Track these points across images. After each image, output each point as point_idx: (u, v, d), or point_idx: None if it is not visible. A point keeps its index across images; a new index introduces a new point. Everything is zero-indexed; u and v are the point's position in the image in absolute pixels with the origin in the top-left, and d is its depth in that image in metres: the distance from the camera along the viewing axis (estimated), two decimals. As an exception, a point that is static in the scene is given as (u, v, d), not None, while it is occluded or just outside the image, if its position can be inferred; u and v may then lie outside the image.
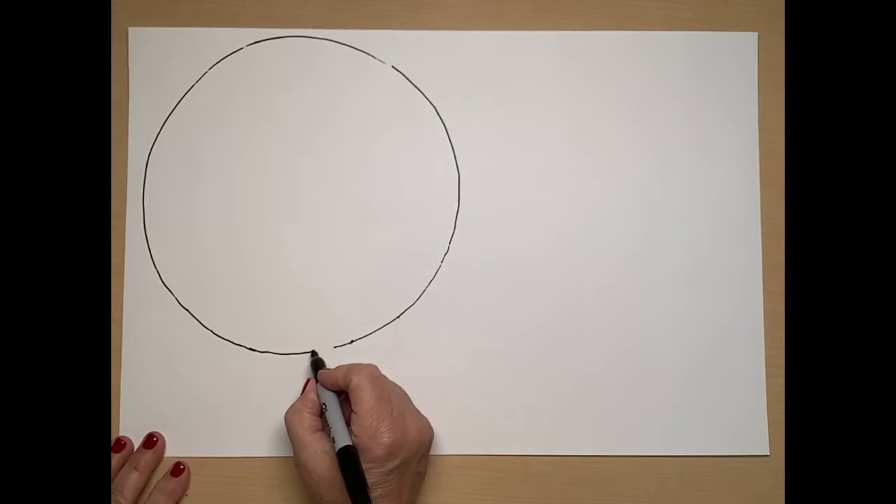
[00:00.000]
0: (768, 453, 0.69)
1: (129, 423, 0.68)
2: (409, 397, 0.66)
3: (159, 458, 0.67)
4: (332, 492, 0.59)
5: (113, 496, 0.64)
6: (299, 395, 0.66)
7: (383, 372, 0.66)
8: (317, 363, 0.67)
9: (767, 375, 0.69)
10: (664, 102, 0.71)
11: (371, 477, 0.57)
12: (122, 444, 0.67)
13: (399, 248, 0.70)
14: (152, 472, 0.67)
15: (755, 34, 0.72)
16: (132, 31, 0.71)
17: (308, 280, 0.69)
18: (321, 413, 0.63)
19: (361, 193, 0.70)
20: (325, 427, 0.63)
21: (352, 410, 0.61)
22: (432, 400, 0.68)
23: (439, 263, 0.70)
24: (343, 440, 0.59)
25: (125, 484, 0.65)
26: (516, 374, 0.69)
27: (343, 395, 0.64)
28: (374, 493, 0.57)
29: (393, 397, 0.62)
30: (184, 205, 0.70)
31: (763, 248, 0.71)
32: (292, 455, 0.61)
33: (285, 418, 0.63)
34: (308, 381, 0.67)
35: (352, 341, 0.69)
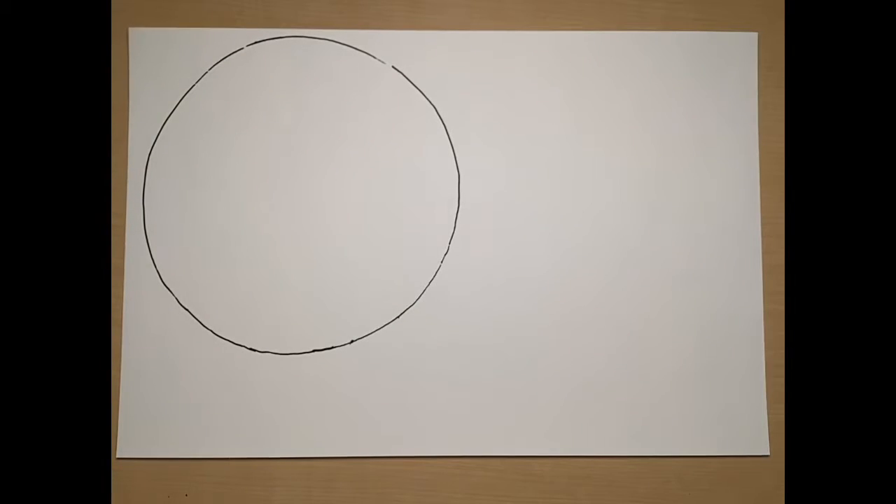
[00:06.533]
0: (768, 453, 0.69)
1: (129, 422, 0.68)
2: None
3: None
4: None
5: None
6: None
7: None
8: None
9: (767, 375, 0.69)
10: (664, 102, 0.71)
11: None
12: None
13: (399, 248, 0.70)
14: None
15: (755, 34, 0.72)
16: (132, 31, 0.71)
17: (308, 280, 0.69)
18: None
19: (361, 193, 0.70)
20: None
21: None
22: (432, 400, 0.68)
23: (439, 263, 0.70)
24: None
25: None
26: (516, 374, 0.69)
27: None
28: None
29: None
30: (184, 205, 0.70)
31: (763, 248, 0.71)
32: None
33: None
34: None
35: (352, 341, 0.69)
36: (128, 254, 0.70)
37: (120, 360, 0.69)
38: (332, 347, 0.69)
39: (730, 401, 0.69)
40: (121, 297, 0.69)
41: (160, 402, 0.68)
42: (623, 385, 0.69)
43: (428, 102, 0.71)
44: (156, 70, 0.71)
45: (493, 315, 0.69)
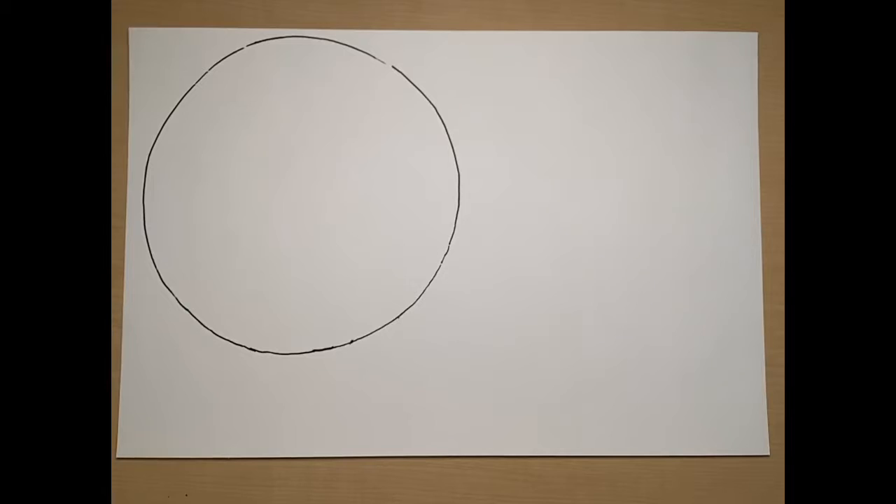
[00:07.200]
0: (768, 453, 0.69)
1: (130, 422, 0.68)
2: None
3: None
4: None
5: None
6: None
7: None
8: None
9: (767, 375, 0.69)
10: (664, 102, 0.71)
11: None
12: None
13: (399, 248, 0.70)
14: None
15: (755, 34, 0.72)
16: (132, 31, 0.71)
17: (308, 280, 0.69)
18: None
19: (361, 193, 0.70)
20: None
21: None
22: (432, 400, 0.68)
23: (439, 263, 0.70)
24: None
25: None
26: (516, 374, 0.69)
27: None
28: None
29: None
30: (184, 205, 0.70)
31: (763, 248, 0.71)
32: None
33: None
34: None
35: (352, 341, 0.69)
36: (128, 254, 0.70)
37: (120, 360, 0.69)
38: (332, 347, 0.69)
39: (730, 401, 0.69)
40: (121, 297, 0.69)
41: (160, 402, 0.68)
42: (623, 385, 0.69)
43: (428, 102, 0.71)
44: (156, 70, 0.71)
45: (493, 315, 0.69)
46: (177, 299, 0.69)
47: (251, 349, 0.69)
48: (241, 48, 0.71)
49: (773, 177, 0.71)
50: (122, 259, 0.69)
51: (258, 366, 0.69)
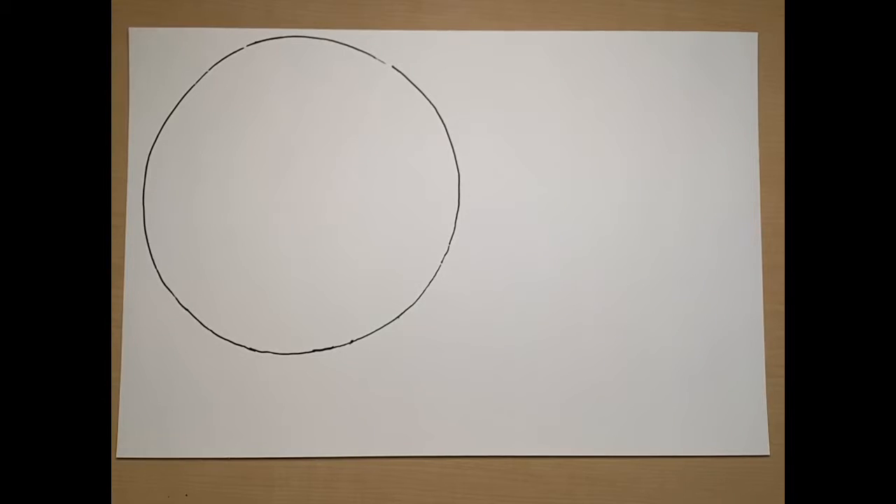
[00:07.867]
0: (768, 453, 0.69)
1: (129, 422, 0.68)
2: None
3: None
4: None
5: None
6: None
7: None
8: None
9: (767, 375, 0.69)
10: (664, 102, 0.71)
11: None
12: None
13: (399, 248, 0.70)
14: None
15: (755, 34, 0.72)
16: (132, 31, 0.71)
17: (308, 280, 0.69)
18: None
19: (361, 193, 0.70)
20: None
21: None
22: (432, 400, 0.68)
23: (439, 263, 0.70)
24: None
25: None
26: (516, 374, 0.69)
27: None
28: None
29: None
30: (184, 205, 0.70)
31: (763, 248, 0.71)
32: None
33: None
34: None
35: (352, 341, 0.69)
36: (128, 254, 0.70)
37: (120, 360, 0.69)
38: (332, 347, 0.69)
39: (730, 401, 0.69)
40: (121, 297, 0.69)
41: (160, 402, 0.68)
42: (623, 385, 0.69)
43: (428, 102, 0.71)
44: (156, 70, 0.71)
45: (493, 315, 0.69)
46: (177, 299, 0.69)
47: (251, 349, 0.69)
48: (241, 48, 0.71)
49: (773, 177, 0.71)
50: (122, 259, 0.69)
51: (258, 366, 0.69)
